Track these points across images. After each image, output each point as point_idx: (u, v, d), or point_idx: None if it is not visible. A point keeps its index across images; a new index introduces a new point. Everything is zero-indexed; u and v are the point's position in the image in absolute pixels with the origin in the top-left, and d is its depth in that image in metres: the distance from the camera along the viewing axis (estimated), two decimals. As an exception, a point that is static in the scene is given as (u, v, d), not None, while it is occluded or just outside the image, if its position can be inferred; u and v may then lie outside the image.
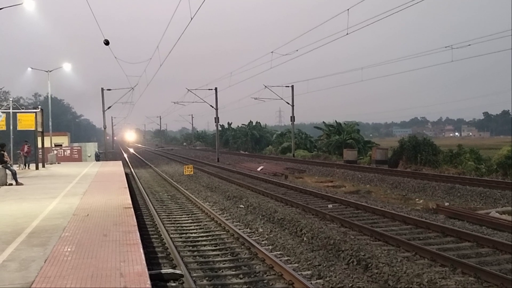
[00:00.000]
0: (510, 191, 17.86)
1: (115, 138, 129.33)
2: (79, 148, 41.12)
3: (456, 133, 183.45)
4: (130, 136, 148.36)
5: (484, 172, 25.47)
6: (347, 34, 22.21)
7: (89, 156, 41.45)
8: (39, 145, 30.57)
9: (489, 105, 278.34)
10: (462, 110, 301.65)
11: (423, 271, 8.27)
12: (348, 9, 20.59)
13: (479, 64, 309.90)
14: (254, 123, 75.27)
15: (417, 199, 19.18)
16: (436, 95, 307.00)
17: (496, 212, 15.12)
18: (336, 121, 52.47)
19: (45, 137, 32.86)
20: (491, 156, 27.76)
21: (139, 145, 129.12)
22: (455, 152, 29.81)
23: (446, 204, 17.40)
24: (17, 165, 28.08)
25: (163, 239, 11.94)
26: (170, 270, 9.00)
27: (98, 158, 41.14)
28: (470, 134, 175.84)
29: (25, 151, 28.91)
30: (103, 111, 45.83)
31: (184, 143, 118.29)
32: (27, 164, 28.92)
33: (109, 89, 47.43)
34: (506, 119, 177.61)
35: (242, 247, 11.08)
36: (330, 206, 16.87)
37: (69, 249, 7.32)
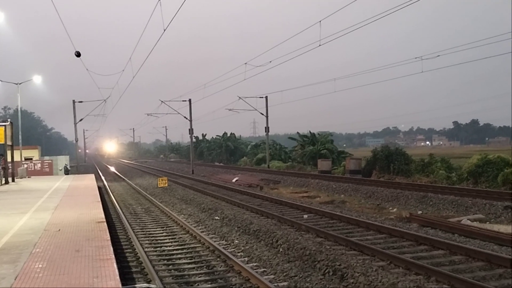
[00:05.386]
0: (481, 199, 18.24)
1: (87, 151, 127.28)
2: (50, 161, 40.42)
3: (427, 143, 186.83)
4: (110, 147, 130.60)
5: (455, 180, 25.94)
6: (319, 45, 22.53)
7: (60, 170, 40.75)
8: (9, 159, 29.89)
9: (459, 115, 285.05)
10: (432, 120, 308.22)
11: (398, 280, 8.34)
12: (320, 21, 20.89)
13: (448, 75, 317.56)
14: (228, 135, 75.24)
15: (390, 208, 19.39)
16: (407, 105, 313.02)
17: (468, 219, 15.40)
18: (310, 131, 52.85)
19: (15, 151, 32.13)
20: (462, 165, 28.30)
21: (124, 160, 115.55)
22: (427, 161, 30.29)
23: (419, 212, 17.64)
24: None
25: (137, 253, 11.76)
26: (145, 285, 8.86)
27: (67, 172, 40.47)
28: (441, 143, 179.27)
29: (1, 165, 28.24)
30: (75, 124, 45.21)
31: (162, 156, 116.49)
32: (6, 178, 28.20)
33: (81, 101, 46.90)
34: (475, 129, 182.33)
35: (218, 259, 10.99)
36: (305, 216, 16.92)
37: (40, 266, 7.14)
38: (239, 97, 46.92)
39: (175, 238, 14.03)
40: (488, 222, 15.18)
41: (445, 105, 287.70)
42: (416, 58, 26.47)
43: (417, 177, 28.49)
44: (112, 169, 61.30)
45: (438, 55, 25.16)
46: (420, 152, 52.99)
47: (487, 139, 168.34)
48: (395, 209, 19.01)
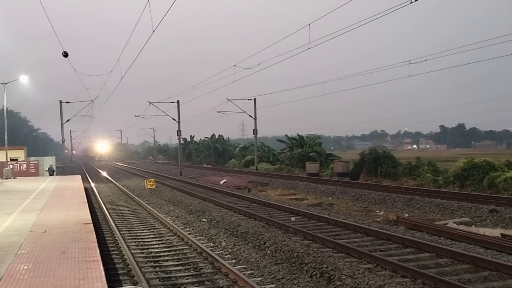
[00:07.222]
0: (466, 202, 18.40)
1: (74, 152, 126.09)
2: (36, 162, 40.07)
3: (414, 146, 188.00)
4: (102, 148, 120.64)
5: (441, 184, 26.16)
6: (308, 48, 22.58)
7: (46, 171, 40.43)
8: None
9: (446, 119, 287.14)
10: (419, 124, 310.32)
11: (385, 282, 8.39)
12: (309, 24, 20.96)
13: (436, 79, 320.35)
14: (217, 136, 75.12)
15: (377, 211, 19.49)
16: (395, 109, 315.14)
17: (454, 223, 15.54)
18: (298, 134, 53.01)
19: (0, 151, 31.77)
20: (448, 168, 28.55)
21: (112, 161, 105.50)
22: (414, 165, 30.50)
23: (406, 215, 17.75)
24: None
25: (124, 255, 11.68)
26: (132, 287, 8.81)
27: (52, 173, 40.17)
28: (428, 146, 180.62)
29: None
30: (62, 125, 44.80)
31: (150, 157, 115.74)
32: None
33: (68, 102, 46.45)
34: (462, 133, 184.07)
35: (205, 261, 10.96)
36: (293, 219, 16.94)
37: (25, 267, 7.07)
38: (228, 99, 46.91)
39: (162, 240, 13.97)
40: (473, 226, 15.33)
41: (432, 109, 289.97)
42: (404, 62, 26.65)
43: (404, 180, 28.69)
44: (99, 170, 60.90)
45: (426, 60, 25.32)
46: (407, 155, 53.32)
47: (473, 143, 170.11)
48: (382, 212, 19.12)
